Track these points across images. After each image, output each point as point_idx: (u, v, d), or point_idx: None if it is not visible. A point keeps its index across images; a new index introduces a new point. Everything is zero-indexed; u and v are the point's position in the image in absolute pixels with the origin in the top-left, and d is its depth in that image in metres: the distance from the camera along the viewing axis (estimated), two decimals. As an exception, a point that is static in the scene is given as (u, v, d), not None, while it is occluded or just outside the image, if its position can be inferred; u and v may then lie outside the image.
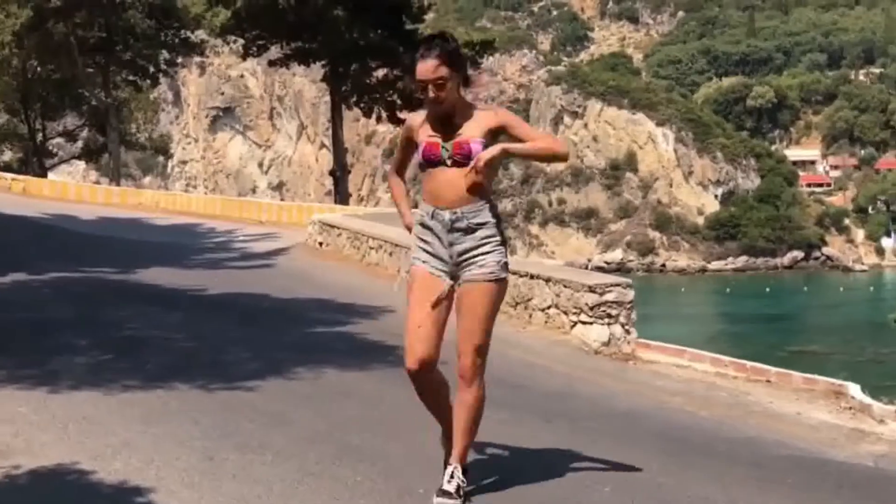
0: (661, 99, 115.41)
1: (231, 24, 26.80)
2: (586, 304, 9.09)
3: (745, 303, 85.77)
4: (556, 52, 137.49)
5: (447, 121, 4.10)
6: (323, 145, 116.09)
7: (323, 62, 28.33)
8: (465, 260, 4.07)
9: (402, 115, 29.99)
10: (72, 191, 27.53)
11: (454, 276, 4.09)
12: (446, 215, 4.05)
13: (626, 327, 9.12)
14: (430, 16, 29.45)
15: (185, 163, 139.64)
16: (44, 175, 34.49)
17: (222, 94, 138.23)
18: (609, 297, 9.08)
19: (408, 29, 27.51)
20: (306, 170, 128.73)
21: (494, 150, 4.02)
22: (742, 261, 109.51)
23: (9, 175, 28.59)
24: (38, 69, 33.71)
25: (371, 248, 14.40)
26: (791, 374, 7.85)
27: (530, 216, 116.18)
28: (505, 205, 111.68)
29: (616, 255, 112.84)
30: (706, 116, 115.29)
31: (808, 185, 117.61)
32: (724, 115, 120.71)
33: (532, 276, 9.97)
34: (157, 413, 5.58)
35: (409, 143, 4.25)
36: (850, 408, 6.94)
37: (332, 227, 16.29)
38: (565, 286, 9.41)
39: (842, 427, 6.43)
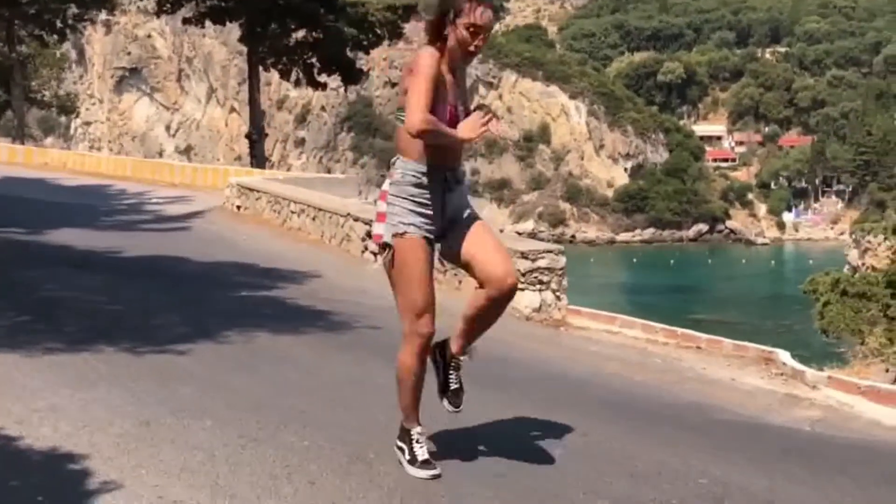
0: (575, 72, 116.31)
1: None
2: (519, 271, 9.02)
3: (651, 273, 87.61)
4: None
5: (455, 73, 3.88)
6: (233, 109, 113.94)
7: (240, 21, 27.56)
8: (455, 214, 3.92)
9: (320, 78, 29.45)
10: (-29, 149, 26.40)
11: (441, 233, 3.91)
12: (449, 175, 3.89)
13: (558, 294, 9.10)
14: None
15: (88, 124, 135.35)
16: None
17: (129, 54, 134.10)
18: (541, 263, 9.04)
19: (332, -9, 26.94)
20: (215, 134, 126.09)
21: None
22: (649, 233, 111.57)
23: None
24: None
25: (293, 213, 14.11)
26: (722, 340, 7.93)
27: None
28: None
29: (528, 225, 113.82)
30: (618, 90, 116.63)
31: (714, 161, 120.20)
32: (636, 90, 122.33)
33: (462, 242, 9.86)
34: (84, 377, 5.31)
35: (434, 84, 3.75)
36: (782, 374, 7.02)
37: (252, 190, 15.92)
38: (497, 252, 9.33)
39: (776, 392, 6.50)
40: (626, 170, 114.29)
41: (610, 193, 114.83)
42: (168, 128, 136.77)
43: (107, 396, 4.91)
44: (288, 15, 26.75)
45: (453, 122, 3.81)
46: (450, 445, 4.24)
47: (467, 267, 3.92)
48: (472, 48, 3.80)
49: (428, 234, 3.85)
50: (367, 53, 32.50)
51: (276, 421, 4.59)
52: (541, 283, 9.00)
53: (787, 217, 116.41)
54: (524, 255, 9.03)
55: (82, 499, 3.52)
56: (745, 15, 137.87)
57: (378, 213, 3.92)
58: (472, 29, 3.76)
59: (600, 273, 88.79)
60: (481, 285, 3.87)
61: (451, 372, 4.09)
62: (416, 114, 3.67)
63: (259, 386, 5.34)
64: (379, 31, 27.71)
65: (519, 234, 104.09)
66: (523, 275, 8.98)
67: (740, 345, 7.78)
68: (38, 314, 7.14)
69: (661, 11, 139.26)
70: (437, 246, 3.97)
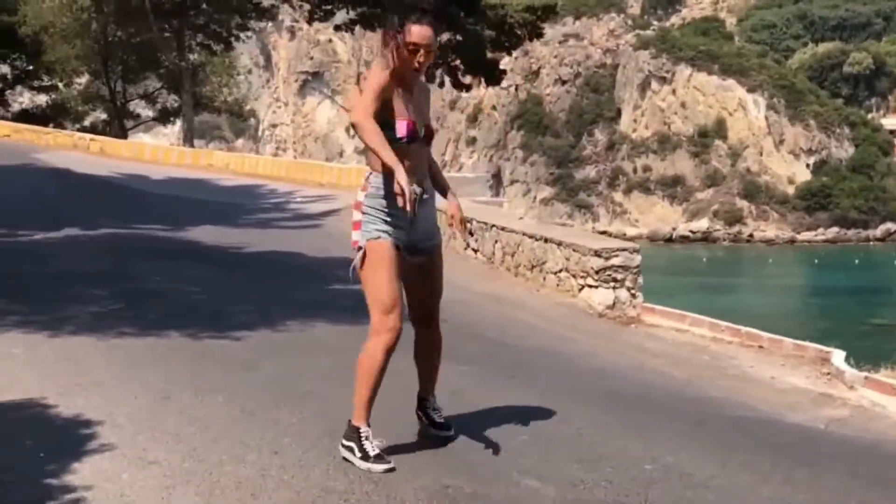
0: (754, 64, 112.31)
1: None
2: (592, 268, 9.23)
3: (832, 275, 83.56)
4: (647, 16, 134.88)
5: (411, 91, 4.21)
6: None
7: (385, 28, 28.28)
8: (422, 229, 4.25)
9: (464, 80, 30.04)
10: (147, 151, 28.43)
11: (408, 246, 4.23)
12: (416, 189, 4.13)
13: (633, 291, 9.23)
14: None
15: (274, 126, 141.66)
16: (124, 136, 35.72)
17: (311, 58, 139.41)
18: (615, 261, 9.20)
19: (471, -6, 27.53)
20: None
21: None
22: (833, 232, 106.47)
23: (87, 136, 29.69)
24: (118, 33, 34.83)
25: (411, 211, 14.66)
26: (783, 340, 7.88)
27: (614, 183, 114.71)
28: (588, 171, 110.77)
29: (702, 224, 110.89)
30: (800, 83, 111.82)
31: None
32: (819, 82, 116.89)
33: (546, 240, 10.12)
34: (137, 358, 5.98)
35: (382, 95, 4.09)
36: (828, 374, 6.97)
37: (379, 189, 16.59)
38: (574, 250, 9.55)
39: (811, 392, 6.49)
40: (808, 166, 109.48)
41: (790, 190, 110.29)
42: (348, 129, 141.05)
43: (146, 374, 5.53)
44: (430, 19, 27.20)
45: (412, 134, 4.14)
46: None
47: (409, 296, 4.33)
48: (415, 65, 4.13)
49: (398, 243, 4.18)
50: (509, 54, 32.91)
51: (278, 398, 5.08)
52: (615, 280, 9.15)
53: None
54: (597, 253, 9.22)
55: (76, 457, 4.10)
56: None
57: (354, 222, 4.25)
58: (411, 48, 4.08)
59: (778, 273, 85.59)
60: (413, 321, 4.40)
61: (429, 412, 4.54)
62: (360, 110, 4.05)
63: (286, 370, 5.84)
64: (519, 32, 28.08)
65: (693, 232, 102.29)
66: (597, 272, 9.19)
67: (800, 344, 7.72)
68: (130, 302, 7.93)
69: (847, 0, 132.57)
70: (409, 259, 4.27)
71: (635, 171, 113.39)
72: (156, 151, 28.33)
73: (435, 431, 4.51)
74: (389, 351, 4.16)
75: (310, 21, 30.57)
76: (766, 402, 6.12)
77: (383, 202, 4.16)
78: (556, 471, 4.17)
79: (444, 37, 28.35)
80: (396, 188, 3.92)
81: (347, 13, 29.05)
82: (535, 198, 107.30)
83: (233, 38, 34.49)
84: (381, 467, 4.04)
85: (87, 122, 40.27)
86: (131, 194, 19.52)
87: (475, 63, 28.66)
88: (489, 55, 29.15)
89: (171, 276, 9.63)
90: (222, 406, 4.94)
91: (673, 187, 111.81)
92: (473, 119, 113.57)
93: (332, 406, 4.91)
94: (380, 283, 4.17)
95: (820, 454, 4.91)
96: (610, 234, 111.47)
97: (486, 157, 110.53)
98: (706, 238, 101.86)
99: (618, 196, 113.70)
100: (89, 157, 27.04)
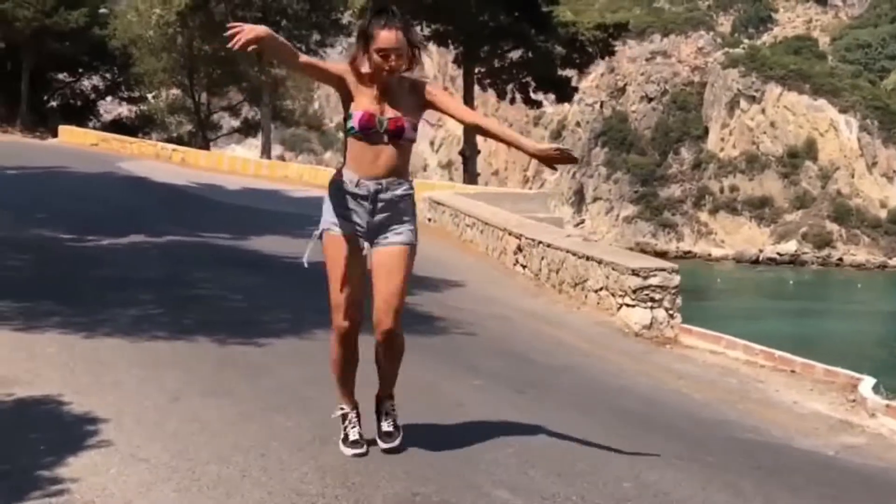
0: (846, 85, 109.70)
1: (370, 6, 27.56)
2: (630, 287, 9.22)
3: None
4: (737, 34, 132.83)
5: (386, 91, 4.28)
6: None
7: (457, 44, 28.87)
8: (384, 227, 4.31)
9: (535, 96, 30.16)
10: (225, 162, 29.19)
11: (368, 242, 4.35)
12: (371, 185, 4.26)
13: (671, 312, 9.20)
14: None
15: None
16: (206, 147, 36.76)
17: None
18: (653, 281, 9.18)
19: (543, 11, 27.61)
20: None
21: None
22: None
23: (170, 146, 30.66)
24: (203, 47, 35.93)
25: (467, 226, 14.82)
26: (815, 365, 7.78)
27: (700, 203, 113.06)
28: (674, 190, 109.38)
29: (790, 246, 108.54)
30: (894, 104, 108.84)
31: None
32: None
33: (588, 258, 10.14)
34: (160, 360, 6.20)
35: (332, 78, 4.33)
36: (853, 400, 6.86)
37: (440, 204, 16.80)
38: (613, 268, 9.56)
39: (830, 418, 6.41)
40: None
41: (883, 214, 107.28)
42: (432, 143, 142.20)
43: (163, 376, 5.75)
44: (500, 36, 27.70)
45: (366, 125, 4.24)
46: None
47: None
48: (387, 68, 4.20)
49: (351, 233, 4.27)
50: (581, 72, 32.92)
51: (281, 404, 5.24)
52: (652, 300, 9.14)
53: None
54: (635, 273, 9.21)
55: (73, 451, 4.30)
56: None
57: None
58: (381, 53, 4.18)
59: (866, 298, 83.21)
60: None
61: (380, 417, 4.53)
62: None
63: (297, 376, 6.00)
64: (590, 50, 28.09)
65: (780, 254, 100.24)
66: (634, 291, 9.18)
67: (831, 370, 7.61)
68: (171, 307, 8.20)
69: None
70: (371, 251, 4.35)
71: (722, 190, 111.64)
72: (234, 162, 29.05)
73: (377, 436, 4.48)
74: (341, 343, 4.36)
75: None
76: (780, 427, 6.07)
77: (338, 194, 4.31)
78: (532, 484, 4.23)
79: (516, 54, 28.56)
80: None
81: (421, 30, 29.46)
82: (617, 216, 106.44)
83: (311, 54, 35.19)
84: (350, 452, 4.30)
85: (174, 133, 41.53)
86: (204, 203, 20.06)
87: (546, 80, 28.77)
88: (559, 72, 29.27)
89: (219, 284, 9.92)
90: (225, 409, 5.12)
91: (761, 208, 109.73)
92: (557, 135, 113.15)
93: (329, 413, 5.02)
94: (332, 280, 4.33)
95: (814, 480, 4.87)
96: (695, 255, 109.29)
97: (569, 174, 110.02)
98: (794, 261, 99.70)
99: (703, 216, 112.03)
100: (170, 166, 27.88)
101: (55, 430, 4.62)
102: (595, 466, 4.57)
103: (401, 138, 4.31)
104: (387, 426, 4.51)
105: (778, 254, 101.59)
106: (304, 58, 4.27)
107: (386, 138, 4.28)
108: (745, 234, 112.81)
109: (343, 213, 4.29)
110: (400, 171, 4.36)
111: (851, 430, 6.15)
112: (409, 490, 4.03)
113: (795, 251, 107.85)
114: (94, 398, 5.19)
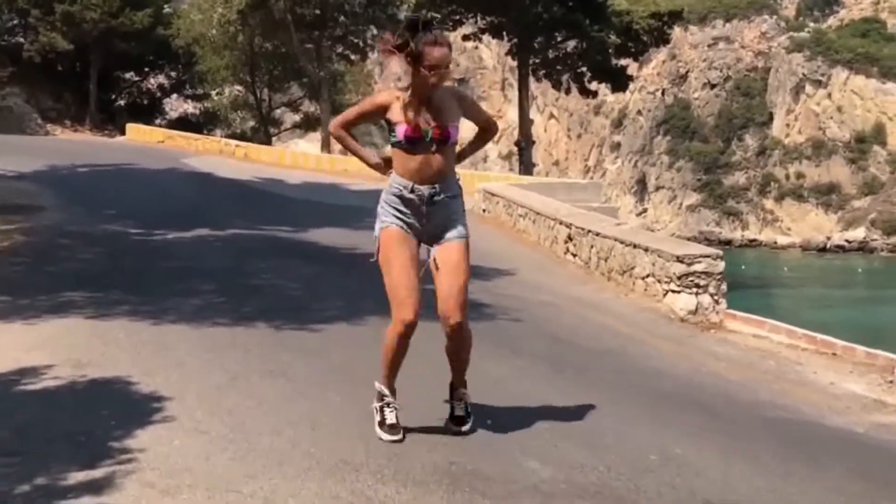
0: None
1: (426, 0, 27.98)
2: (675, 274, 9.42)
3: None
4: (802, 18, 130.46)
5: (429, 100, 4.54)
6: (552, 115, 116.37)
7: (511, 36, 29.06)
8: (439, 227, 4.59)
9: (591, 86, 30.26)
10: (287, 157, 29.78)
11: (425, 243, 4.64)
12: (425, 190, 4.52)
13: (716, 297, 9.38)
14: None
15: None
16: (268, 142, 37.52)
17: (458, 64, 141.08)
18: (697, 267, 9.37)
19: (597, 1, 27.66)
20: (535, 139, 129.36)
21: None
22: None
23: (233, 142, 31.37)
24: (264, 45, 36.70)
25: (520, 216, 15.09)
26: (856, 348, 7.92)
27: (765, 190, 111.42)
28: (738, 178, 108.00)
29: (858, 233, 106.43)
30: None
31: None
32: None
33: (635, 246, 10.35)
34: (222, 344, 6.61)
35: (373, 116, 4.70)
36: (891, 381, 7.01)
37: (493, 195, 17.08)
38: (659, 255, 9.76)
39: (865, 398, 6.57)
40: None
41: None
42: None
43: (224, 358, 6.15)
44: (554, 27, 27.82)
45: (412, 137, 4.50)
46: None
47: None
48: (435, 81, 4.50)
49: (410, 230, 4.57)
50: (636, 60, 32.89)
51: (333, 383, 5.60)
52: (697, 286, 9.33)
53: None
54: (679, 259, 9.40)
55: (141, 425, 4.71)
56: None
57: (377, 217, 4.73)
58: (432, 71, 4.42)
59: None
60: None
61: (453, 401, 4.83)
62: (337, 121, 4.89)
63: (349, 358, 6.35)
64: (645, 38, 28.09)
65: (848, 242, 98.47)
66: (678, 278, 9.38)
67: (872, 352, 7.75)
68: (232, 296, 8.63)
69: None
70: (432, 250, 4.66)
71: (787, 177, 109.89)
72: (295, 157, 29.61)
73: (448, 422, 4.78)
74: (401, 337, 4.55)
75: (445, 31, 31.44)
76: (812, 405, 6.26)
77: (394, 199, 4.58)
78: (561, 455, 4.53)
79: (570, 44, 28.66)
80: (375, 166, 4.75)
81: (476, 23, 29.72)
82: (681, 204, 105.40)
83: (368, 49, 35.71)
84: (388, 437, 4.53)
85: (237, 129, 42.40)
86: (265, 197, 20.59)
87: (601, 69, 28.86)
88: (614, 62, 29.32)
89: (278, 274, 10.33)
90: (281, 387, 5.51)
91: (828, 195, 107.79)
92: (618, 124, 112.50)
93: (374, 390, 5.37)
94: (394, 275, 4.54)
95: (839, 454, 5.07)
96: (760, 244, 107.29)
97: (631, 163, 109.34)
98: (862, 248, 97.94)
99: (769, 203, 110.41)
100: (233, 161, 28.53)
101: (125, 407, 5.04)
102: (623, 440, 4.85)
103: (446, 144, 4.56)
104: (459, 410, 4.80)
105: (846, 241, 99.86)
106: (343, 130, 4.88)
107: (433, 147, 4.52)
108: (811, 221, 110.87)
109: (399, 217, 4.59)
110: (448, 173, 4.62)
111: (884, 409, 6.31)
112: (446, 459, 4.35)
113: (864, 238, 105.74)
114: (159, 378, 5.61)
